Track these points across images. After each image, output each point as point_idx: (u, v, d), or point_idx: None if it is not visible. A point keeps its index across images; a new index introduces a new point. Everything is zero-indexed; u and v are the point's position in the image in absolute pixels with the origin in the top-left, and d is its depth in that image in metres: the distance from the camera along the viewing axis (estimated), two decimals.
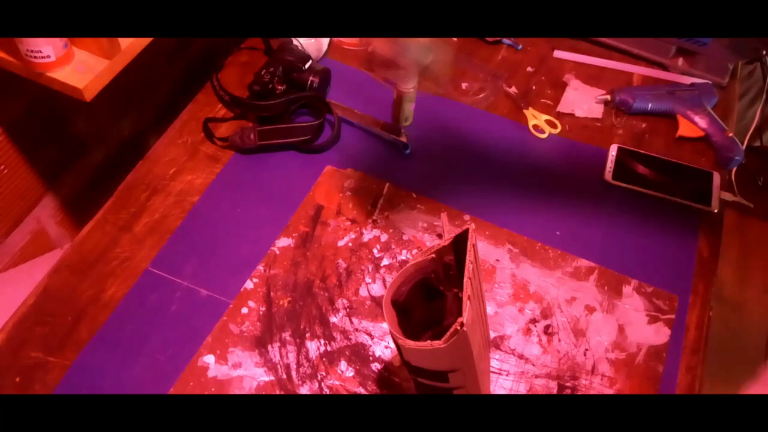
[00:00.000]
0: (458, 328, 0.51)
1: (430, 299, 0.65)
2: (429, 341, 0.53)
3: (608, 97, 1.04)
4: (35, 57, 0.75)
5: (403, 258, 0.85)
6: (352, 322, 0.80)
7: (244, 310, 0.80)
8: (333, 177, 0.93)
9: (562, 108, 1.04)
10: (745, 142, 1.09)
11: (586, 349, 0.78)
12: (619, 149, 0.98)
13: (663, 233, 0.90)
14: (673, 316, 0.81)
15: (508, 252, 0.86)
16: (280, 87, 0.96)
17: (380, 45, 0.79)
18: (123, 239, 0.86)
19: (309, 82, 0.98)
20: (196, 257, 0.84)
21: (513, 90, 1.06)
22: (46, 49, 0.74)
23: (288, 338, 0.78)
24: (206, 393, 0.73)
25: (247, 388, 0.74)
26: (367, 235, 0.87)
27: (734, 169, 1.05)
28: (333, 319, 0.80)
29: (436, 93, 1.03)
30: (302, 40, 1.02)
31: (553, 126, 1.01)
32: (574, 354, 0.78)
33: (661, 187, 0.94)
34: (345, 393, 0.74)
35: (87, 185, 1.09)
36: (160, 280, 0.82)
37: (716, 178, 0.95)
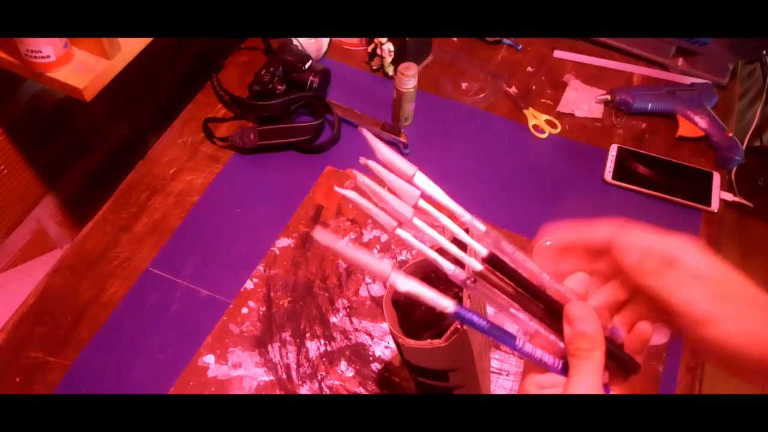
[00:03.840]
0: (458, 326, 0.51)
1: None
2: (429, 340, 0.53)
3: (608, 97, 1.04)
4: (35, 57, 0.75)
5: (403, 258, 0.85)
6: (352, 322, 0.80)
7: (244, 310, 0.80)
8: (333, 177, 0.93)
9: (562, 108, 1.04)
10: (745, 142, 1.08)
11: None
12: (619, 149, 0.98)
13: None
14: None
15: None
16: (280, 87, 0.96)
17: None
18: (123, 239, 0.86)
19: (309, 82, 0.98)
20: (196, 257, 0.84)
21: (513, 90, 1.06)
22: (46, 49, 0.74)
23: (288, 338, 0.78)
24: (206, 393, 0.73)
25: (247, 388, 0.74)
26: (367, 235, 0.87)
27: (734, 169, 1.05)
28: (333, 319, 0.80)
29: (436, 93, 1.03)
30: (302, 40, 1.02)
31: (553, 126, 1.01)
32: None
33: (661, 187, 0.94)
34: (345, 393, 0.74)
35: (87, 185, 1.09)
36: (160, 280, 0.82)
37: (716, 178, 0.95)
